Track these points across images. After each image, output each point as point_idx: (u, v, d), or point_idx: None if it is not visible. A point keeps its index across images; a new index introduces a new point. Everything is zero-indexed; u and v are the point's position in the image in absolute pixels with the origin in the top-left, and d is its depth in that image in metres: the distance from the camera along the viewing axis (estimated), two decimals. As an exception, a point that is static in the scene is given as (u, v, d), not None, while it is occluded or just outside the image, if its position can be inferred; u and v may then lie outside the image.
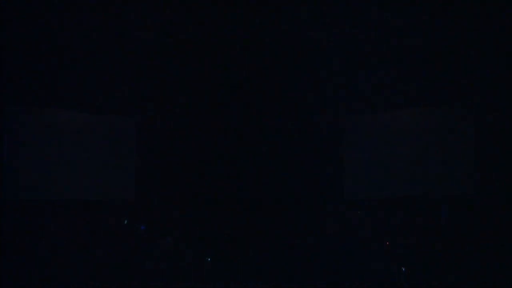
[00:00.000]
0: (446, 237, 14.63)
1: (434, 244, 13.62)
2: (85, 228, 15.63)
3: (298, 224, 16.88)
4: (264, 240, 15.51)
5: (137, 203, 16.98)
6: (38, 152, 15.50)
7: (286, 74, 17.37)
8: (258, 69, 17.49)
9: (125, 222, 15.79)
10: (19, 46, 15.58)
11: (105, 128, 16.75)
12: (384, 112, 16.91)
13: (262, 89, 18.29)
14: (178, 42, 17.06)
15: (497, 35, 14.31)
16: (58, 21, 16.03)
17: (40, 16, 15.70)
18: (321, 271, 9.83)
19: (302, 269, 9.92)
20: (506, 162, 13.90)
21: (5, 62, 15.06)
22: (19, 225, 14.81)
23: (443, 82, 15.98)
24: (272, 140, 18.36)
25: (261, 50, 17.08)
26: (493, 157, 14.15)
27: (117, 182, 16.31)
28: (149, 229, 16.22)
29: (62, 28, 16.24)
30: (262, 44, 16.92)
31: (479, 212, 14.27)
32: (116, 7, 15.16)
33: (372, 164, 16.18)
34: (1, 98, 14.88)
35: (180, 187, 17.74)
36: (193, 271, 10.11)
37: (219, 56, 17.18)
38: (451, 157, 15.28)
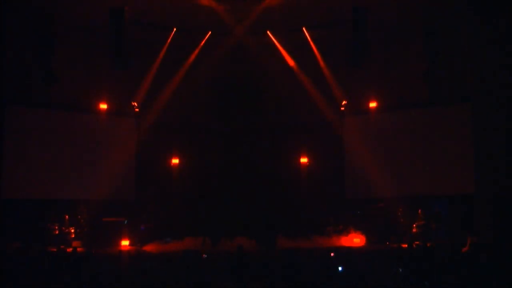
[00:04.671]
0: (445, 236, 14.66)
1: (433, 244, 13.62)
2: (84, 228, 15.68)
3: (300, 223, 16.92)
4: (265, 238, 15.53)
5: (137, 203, 17.05)
6: (38, 152, 15.51)
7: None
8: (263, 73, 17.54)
9: (125, 222, 15.78)
10: (19, 47, 15.63)
11: (105, 128, 16.78)
12: (384, 112, 16.95)
13: (265, 90, 18.39)
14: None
15: (497, 35, 14.29)
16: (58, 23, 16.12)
17: (41, 18, 15.77)
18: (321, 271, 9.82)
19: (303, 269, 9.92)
20: (505, 162, 13.87)
21: (5, 63, 15.08)
22: (19, 225, 14.83)
23: (444, 82, 16.02)
24: (271, 139, 18.43)
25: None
26: (492, 156, 14.12)
27: (117, 182, 16.29)
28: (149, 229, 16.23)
29: (62, 29, 16.34)
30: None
31: (479, 211, 14.26)
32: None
33: (372, 164, 16.15)
34: (1, 98, 14.89)
35: (180, 188, 17.83)
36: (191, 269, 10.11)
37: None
38: (451, 157, 15.27)
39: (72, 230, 15.41)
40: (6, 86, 15.01)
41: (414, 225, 15.48)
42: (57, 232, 15.10)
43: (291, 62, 17.22)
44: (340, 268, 9.64)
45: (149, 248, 14.91)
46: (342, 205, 17.18)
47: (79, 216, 15.82)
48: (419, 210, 15.51)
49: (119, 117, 17.20)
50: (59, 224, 15.19)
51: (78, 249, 13.24)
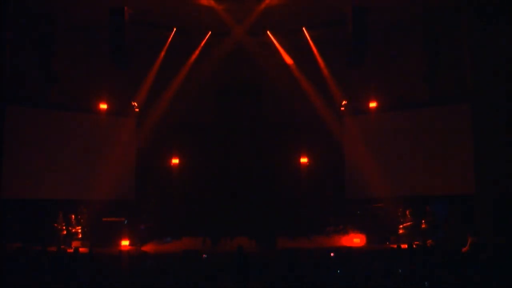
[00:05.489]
0: (445, 236, 14.65)
1: (433, 244, 13.63)
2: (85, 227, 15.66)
3: (300, 223, 16.94)
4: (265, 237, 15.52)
5: (137, 203, 17.04)
6: (38, 152, 15.49)
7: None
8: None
9: (125, 222, 15.78)
10: (19, 48, 15.62)
11: (105, 128, 16.77)
12: (384, 112, 16.94)
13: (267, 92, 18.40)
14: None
15: (497, 36, 14.29)
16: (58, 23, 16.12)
17: (41, 18, 15.78)
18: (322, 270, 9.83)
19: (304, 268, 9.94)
20: (505, 162, 13.88)
21: (5, 63, 15.06)
22: (19, 225, 14.83)
23: (444, 82, 16.02)
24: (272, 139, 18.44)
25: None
26: (492, 156, 14.12)
27: (117, 182, 16.28)
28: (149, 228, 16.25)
29: (62, 29, 16.35)
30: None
31: (479, 211, 14.25)
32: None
33: (372, 164, 16.14)
34: (1, 98, 14.87)
35: (180, 188, 17.82)
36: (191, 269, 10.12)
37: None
38: (451, 157, 15.26)
39: (80, 230, 15.41)
40: (6, 86, 15.00)
41: (401, 226, 15.50)
42: (65, 233, 15.12)
43: (289, 61, 17.21)
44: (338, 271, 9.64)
45: (148, 248, 14.90)
46: (342, 205, 17.18)
47: (79, 216, 15.81)
48: (407, 211, 15.55)
49: (119, 117, 17.19)
50: (66, 224, 15.20)
51: (80, 249, 13.25)
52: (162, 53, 16.96)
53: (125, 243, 14.99)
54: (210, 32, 17.21)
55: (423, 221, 15.24)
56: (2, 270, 9.79)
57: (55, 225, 15.03)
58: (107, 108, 16.71)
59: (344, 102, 17.16)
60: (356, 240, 15.39)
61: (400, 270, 9.30)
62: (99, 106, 16.62)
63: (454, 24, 15.45)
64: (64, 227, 15.15)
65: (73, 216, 15.45)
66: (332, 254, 11.27)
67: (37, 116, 15.76)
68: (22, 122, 15.34)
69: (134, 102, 16.98)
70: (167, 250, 14.51)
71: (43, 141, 15.66)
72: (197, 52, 17.26)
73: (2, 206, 14.67)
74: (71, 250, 12.67)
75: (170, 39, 16.94)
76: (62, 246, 13.50)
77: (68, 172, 15.89)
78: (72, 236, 15.18)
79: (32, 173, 15.34)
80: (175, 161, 17.81)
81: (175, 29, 16.92)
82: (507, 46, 14.16)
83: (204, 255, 11.26)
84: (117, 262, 10.96)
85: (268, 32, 17.13)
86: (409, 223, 15.40)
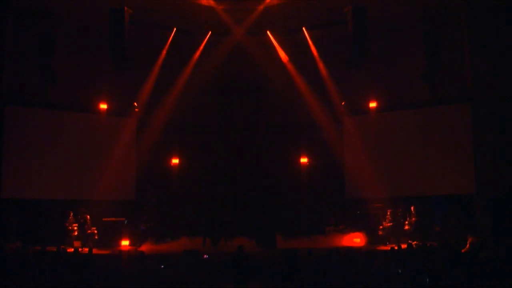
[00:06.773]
0: (445, 236, 14.64)
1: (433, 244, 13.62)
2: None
3: (300, 223, 16.94)
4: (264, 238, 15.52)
5: (137, 203, 17.03)
6: (38, 152, 15.48)
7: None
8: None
9: (125, 222, 15.78)
10: (19, 47, 15.62)
11: (105, 128, 16.76)
12: (384, 112, 16.94)
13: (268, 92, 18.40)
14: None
15: (497, 35, 14.30)
16: (58, 23, 16.13)
17: (41, 18, 15.78)
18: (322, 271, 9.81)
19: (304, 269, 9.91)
20: (505, 162, 13.88)
21: (5, 63, 15.06)
22: (19, 225, 14.82)
23: (444, 82, 16.02)
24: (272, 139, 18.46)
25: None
26: (492, 156, 14.12)
27: (118, 182, 16.27)
28: (149, 228, 16.26)
29: (62, 29, 16.36)
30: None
31: (479, 211, 14.25)
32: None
33: (372, 164, 16.14)
34: (1, 98, 14.87)
35: (180, 188, 17.82)
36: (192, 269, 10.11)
37: None
38: (451, 157, 15.26)
39: (96, 231, 15.26)
40: (6, 86, 15.00)
41: (380, 227, 15.48)
42: (76, 233, 15.07)
43: (285, 58, 17.22)
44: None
45: (147, 248, 14.89)
46: (342, 205, 17.18)
47: (79, 216, 15.79)
48: (388, 211, 15.54)
49: (119, 117, 17.18)
50: (79, 225, 15.16)
51: (80, 249, 13.25)
52: (163, 53, 16.95)
53: (125, 243, 14.99)
54: (210, 32, 17.20)
55: (405, 222, 15.26)
56: (2, 270, 9.78)
57: (66, 225, 15.01)
58: (107, 108, 16.69)
59: (343, 102, 17.16)
60: (356, 240, 15.40)
61: (400, 270, 9.29)
62: (99, 106, 16.59)
63: (454, 24, 15.46)
64: (75, 228, 15.11)
65: (88, 216, 15.36)
66: (332, 254, 11.26)
67: (37, 116, 15.73)
68: (22, 122, 15.32)
69: (134, 102, 16.96)
70: (167, 250, 14.50)
71: (43, 141, 15.63)
72: (197, 52, 17.26)
73: (2, 206, 14.67)
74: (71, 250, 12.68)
75: (170, 39, 16.93)
76: (62, 246, 13.47)
77: (68, 172, 15.88)
78: (88, 236, 15.08)
79: (32, 173, 15.32)
80: (175, 161, 17.81)
81: (175, 29, 16.92)
82: (507, 46, 14.17)
83: (204, 255, 11.25)
84: (117, 262, 10.95)
85: (268, 32, 17.13)
86: (390, 224, 15.41)
